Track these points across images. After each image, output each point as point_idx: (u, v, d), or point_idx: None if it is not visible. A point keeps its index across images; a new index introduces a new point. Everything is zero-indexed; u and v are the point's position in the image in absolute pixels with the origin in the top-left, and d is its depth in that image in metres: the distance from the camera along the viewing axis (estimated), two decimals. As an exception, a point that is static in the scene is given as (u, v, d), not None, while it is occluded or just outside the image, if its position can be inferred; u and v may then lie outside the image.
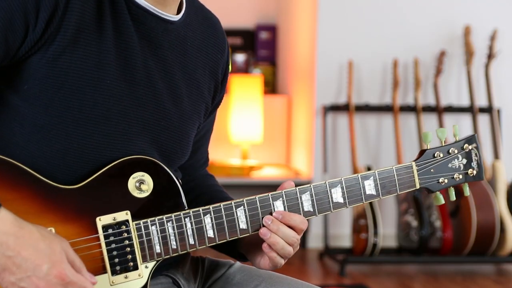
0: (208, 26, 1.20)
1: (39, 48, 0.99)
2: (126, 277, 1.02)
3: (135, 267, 1.02)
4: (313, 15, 3.86)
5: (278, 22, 4.42)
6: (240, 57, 4.38)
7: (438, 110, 3.54)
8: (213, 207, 1.04)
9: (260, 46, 4.41)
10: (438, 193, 1.20)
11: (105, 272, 1.01)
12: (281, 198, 1.07)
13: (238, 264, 1.20)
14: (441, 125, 3.59)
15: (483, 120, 3.56)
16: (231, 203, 1.06)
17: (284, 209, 1.08)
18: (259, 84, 3.97)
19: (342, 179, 1.10)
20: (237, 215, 1.05)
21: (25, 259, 0.89)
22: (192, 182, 1.21)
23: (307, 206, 1.08)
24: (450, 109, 3.64)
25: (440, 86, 3.57)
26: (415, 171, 1.13)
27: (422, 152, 1.14)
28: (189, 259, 1.19)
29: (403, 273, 3.43)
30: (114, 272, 1.01)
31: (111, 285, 1.02)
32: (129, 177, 1.04)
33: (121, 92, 1.04)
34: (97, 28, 1.03)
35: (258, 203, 1.06)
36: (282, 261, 1.09)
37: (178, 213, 1.04)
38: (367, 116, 3.80)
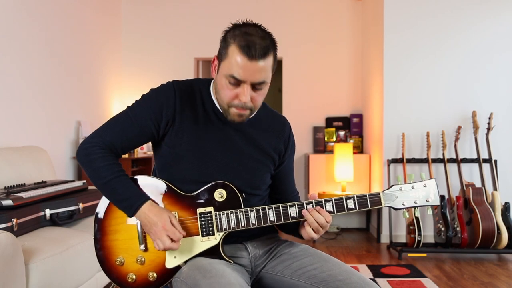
0: (273, 120, 1.39)
1: (164, 136, 1.28)
2: (208, 238, 1.22)
3: (213, 234, 1.23)
4: (380, 107, 4.28)
5: (363, 111, 4.92)
6: (341, 133, 4.88)
7: (458, 161, 3.95)
8: (259, 208, 1.23)
9: (353, 126, 4.92)
10: (404, 210, 1.47)
11: (198, 234, 1.23)
12: (311, 205, 1.24)
13: (307, 246, 1.30)
14: (459, 171, 3.86)
15: (486, 166, 4.01)
16: (265, 207, 1.22)
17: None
18: (351, 148, 4.47)
19: (333, 198, 1.23)
20: (290, 210, 1.24)
21: (152, 220, 1.20)
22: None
23: (329, 207, 1.24)
24: (465, 160, 4.04)
25: (458, 147, 4.05)
26: (381, 196, 1.22)
27: (390, 186, 1.24)
28: (265, 237, 1.37)
29: (438, 258, 3.75)
30: (202, 235, 1.23)
31: (201, 241, 1.23)
32: (215, 191, 1.26)
33: (218, 150, 1.28)
34: (196, 126, 1.26)
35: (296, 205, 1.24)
36: (315, 236, 1.24)
37: (236, 210, 1.25)
38: (413, 166, 4.18)
